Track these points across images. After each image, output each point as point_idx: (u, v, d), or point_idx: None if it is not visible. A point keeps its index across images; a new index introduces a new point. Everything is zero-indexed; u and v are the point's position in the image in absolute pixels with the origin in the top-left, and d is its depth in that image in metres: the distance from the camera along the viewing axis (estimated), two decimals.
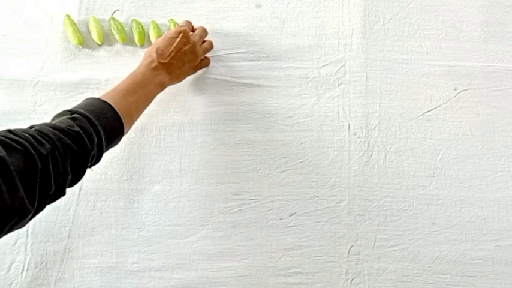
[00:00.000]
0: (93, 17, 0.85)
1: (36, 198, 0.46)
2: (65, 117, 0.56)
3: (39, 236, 0.73)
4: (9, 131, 0.48)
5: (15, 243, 0.73)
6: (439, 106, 0.80)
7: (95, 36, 0.84)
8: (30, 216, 0.47)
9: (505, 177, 0.76)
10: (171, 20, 0.85)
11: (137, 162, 0.77)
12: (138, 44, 0.84)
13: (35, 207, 0.47)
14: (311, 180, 0.76)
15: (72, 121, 0.55)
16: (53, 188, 0.49)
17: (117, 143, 0.64)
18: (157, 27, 0.84)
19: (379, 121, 0.79)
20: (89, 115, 0.57)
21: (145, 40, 0.84)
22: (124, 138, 0.64)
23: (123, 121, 0.62)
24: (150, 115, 0.78)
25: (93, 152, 0.56)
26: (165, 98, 0.79)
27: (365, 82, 0.81)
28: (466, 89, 0.81)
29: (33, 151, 0.46)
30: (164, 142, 0.78)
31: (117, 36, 0.84)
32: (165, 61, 0.71)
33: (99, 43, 0.84)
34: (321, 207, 0.74)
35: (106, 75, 0.82)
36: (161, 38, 0.75)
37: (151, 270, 0.71)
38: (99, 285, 0.70)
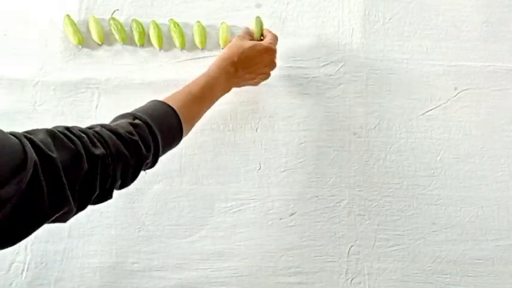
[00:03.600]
0: (93, 16, 0.85)
1: (76, 196, 0.46)
2: (126, 120, 0.55)
3: (39, 236, 0.73)
4: (67, 128, 0.48)
5: None
6: (439, 106, 0.80)
7: (95, 36, 0.84)
8: (73, 213, 0.46)
9: (505, 177, 0.76)
10: (171, 19, 0.85)
11: None
12: (138, 44, 0.84)
13: (76, 205, 0.46)
14: (311, 180, 0.76)
15: (132, 127, 0.53)
16: (98, 191, 0.48)
17: (174, 147, 0.62)
18: (157, 27, 0.84)
19: (379, 121, 0.79)
20: (150, 123, 0.55)
21: (145, 40, 0.84)
22: None
23: (184, 128, 0.60)
24: None
25: (148, 160, 0.55)
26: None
27: (365, 82, 0.81)
28: (466, 89, 0.81)
29: (83, 151, 0.46)
30: None
31: (117, 36, 0.84)
32: (242, 72, 0.71)
33: (99, 43, 0.84)
34: (321, 207, 0.74)
35: (106, 75, 0.82)
36: (251, 45, 0.71)
37: (151, 270, 0.71)
38: (99, 285, 0.70)
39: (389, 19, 0.86)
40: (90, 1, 0.88)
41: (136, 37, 0.84)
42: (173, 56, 0.84)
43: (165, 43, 0.84)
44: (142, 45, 0.84)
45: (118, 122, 0.55)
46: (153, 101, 0.61)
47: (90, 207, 0.73)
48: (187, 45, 0.84)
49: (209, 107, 0.68)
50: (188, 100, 0.63)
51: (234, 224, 0.73)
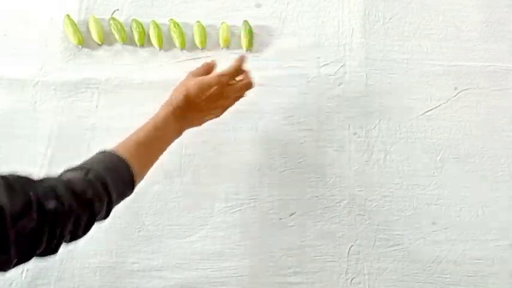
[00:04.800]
0: (93, 16, 0.85)
1: (20, 247, 0.43)
2: (79, 176, 0.52)
3: None
4: (20, 177, 0.46)
5: None
6: (439, 106, 0.80)
7: (95, 36, 0.84)
8: (11, 264, 0.44)
9: (505, 177, 0.76)
10: (171, 19, 0.85)
11: None
12: (138, 44, 0.84)
13: (17, 256, 0.44)
14: (311, 180, 0.76)
15: (86, 184, 0.52)
16: (44, 245, 0.47)
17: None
18: (157, 27, 0.84)
19: (379, 121, 0.79)
20: (105, 178, 0.53)
21: (145, 40, 0.84)
22: None
23: (136, 180, 0.58)
24: (151, 115, 0.78)
25: (100, 215, 0.53)
26: (165, 98, 0.79)
27: (365, 82, 0.81)
28: (466, 89, 0.81)
29: (35, 203, 0.44)
30: None
31: (117, 36, 0.84)
32: (189, 110, 0.66)
33: (99, 43, 0.84)
34: (321, 207, 0.74)
35: (106, 75, 0.82)
36: (195, 81, 0.67)
37: (151, 270, 0.71)
38: (99, 285, 0.70)
39: (389, 19, 0.86)
40: (90, 1, 0.88)
41: (136, 37, 0.84)
42: (173, 56, 0.84)
43: (165, 43, 0.85)
44: (142, 45, 0.84)
45: (70, 176, 0.53)
46: (104, 152, 0.58)
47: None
48: (187, 45, 0.85)
49: (162, 149, 0.65)
50: (138, 150, 0.61)
51: (234, 224, 0.73)
